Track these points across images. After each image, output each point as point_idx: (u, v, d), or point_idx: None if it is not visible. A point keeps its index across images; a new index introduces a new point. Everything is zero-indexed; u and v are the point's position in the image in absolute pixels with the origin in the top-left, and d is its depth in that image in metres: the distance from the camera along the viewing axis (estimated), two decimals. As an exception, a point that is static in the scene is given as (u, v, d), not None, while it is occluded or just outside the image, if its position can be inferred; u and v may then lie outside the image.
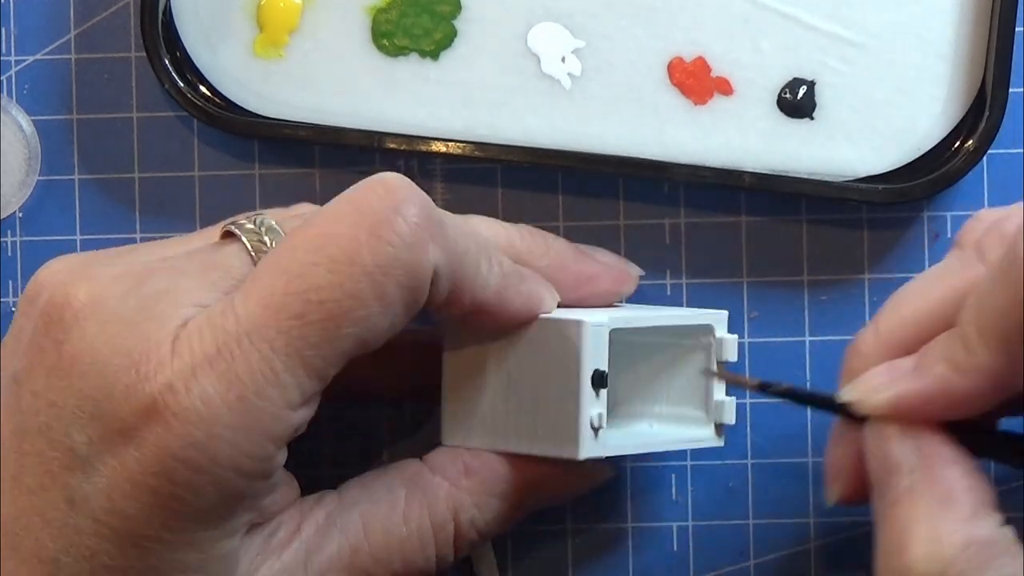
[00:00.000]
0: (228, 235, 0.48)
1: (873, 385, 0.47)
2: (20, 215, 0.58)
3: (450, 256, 0.47)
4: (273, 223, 0.48)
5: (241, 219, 0.49)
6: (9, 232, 0.58)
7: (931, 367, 0.46)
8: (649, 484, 0.57)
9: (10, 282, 0.58)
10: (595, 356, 0.49)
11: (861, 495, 0.48)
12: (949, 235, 0.57)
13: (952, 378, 0.45)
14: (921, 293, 0.48)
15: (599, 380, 0.49)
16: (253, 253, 0.47)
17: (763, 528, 0.57)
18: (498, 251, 0.50)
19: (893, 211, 0.57)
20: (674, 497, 0.57)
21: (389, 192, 0.46)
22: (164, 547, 0.45)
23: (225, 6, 0.57)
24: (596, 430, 0.50)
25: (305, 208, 0.51)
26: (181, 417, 0.44)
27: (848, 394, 0.47)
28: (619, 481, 0.57)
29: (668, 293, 0.57)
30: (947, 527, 0.44)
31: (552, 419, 0.50)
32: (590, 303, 0.53)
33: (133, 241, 0.58)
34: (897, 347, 0.48)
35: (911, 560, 0.44)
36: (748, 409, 0.57)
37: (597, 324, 0.49)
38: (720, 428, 0.54)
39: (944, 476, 0.45)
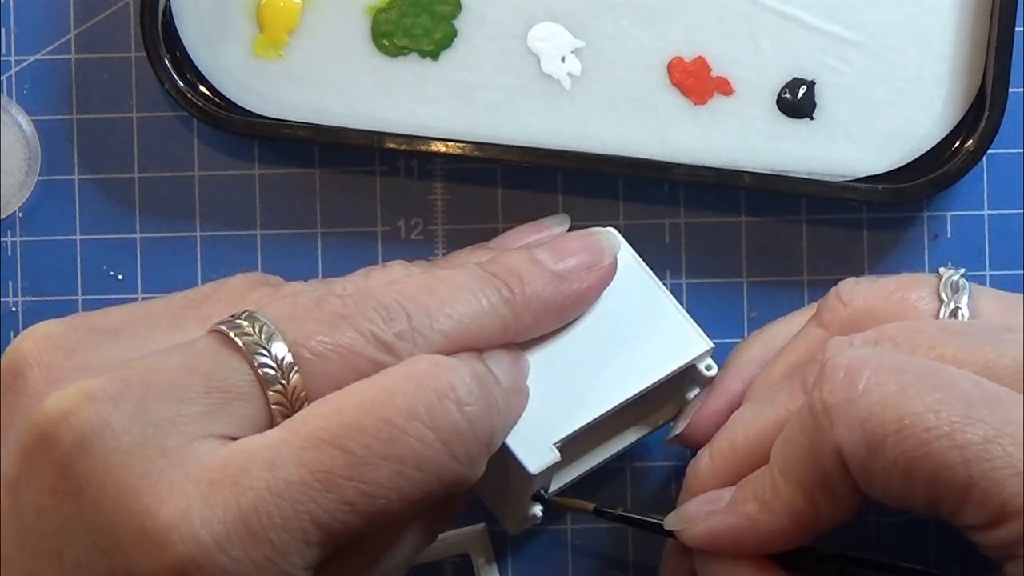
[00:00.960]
0: (221, 336, 0.46)
1: (691, 517, 0.49)
2: (20, 215, 0.58)
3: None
4: (271, 325, 0.46)
5: (237, 320, 0.46)
6: (9, 232, 0.58)
7: (743, 504, 0.48)
8: (649, 484, 0.57)
9: (10, 282, 0.58)
10: (540, 481, 0.51)
11: None
12: (949, 235, 0.57)
13: (759, 516, 0.47)
14: (751, 420, 0.50)
15: (538, 496, 0.51)
16: (257, 368, 0.45)
17: (763, 528, 0.57)
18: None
19: (893, 211, 0.57)
20: (674, 497, 0.57)
21: (476, 414, 0.46)
22: None
23: (225, 6, 0.57)
24: (527, 520, 0.52)
25: (296, 287, 0.50)
26: (205, 571, 0.43)
27: (671, 523, 0.49)
28: (619, 481, 0.57)
29: (668, 293, 0.57)
30: None
31: (501, 494, 0.52)
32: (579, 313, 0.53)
33: (133, 242, 0.58)
34: (727, 473, 0.49)
35: None
36: (748, 409, 0.57)
37: (547, 463, 0.49)
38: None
39: None
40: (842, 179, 0.56)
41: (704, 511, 0.48)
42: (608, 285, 0.52)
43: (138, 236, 0.58)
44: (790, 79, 0.56)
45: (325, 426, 0.44)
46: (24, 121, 0.58)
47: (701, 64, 0.56)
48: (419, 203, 0.58)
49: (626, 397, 0.51)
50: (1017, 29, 0.55)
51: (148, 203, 0.58)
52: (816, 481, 0.46)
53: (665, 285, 0.54)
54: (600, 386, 0.51)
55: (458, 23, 0.56)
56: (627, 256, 0.53)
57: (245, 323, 0.46)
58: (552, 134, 0.56)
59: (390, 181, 0.58)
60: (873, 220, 0.57)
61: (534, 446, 0.50)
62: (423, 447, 0.45)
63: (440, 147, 0.56)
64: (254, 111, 0.57)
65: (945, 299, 0.50)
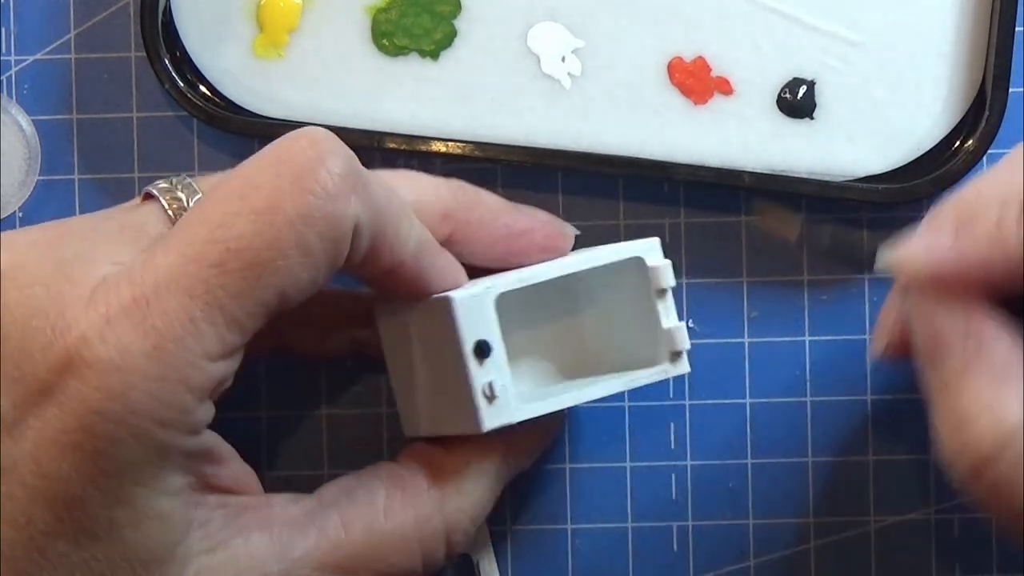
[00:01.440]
0: (147, 197, 0.49)
1: (913, 250, 0.46)
2: (20, 215, 0.58)
3: (372, 211, 0.47)
4: (191, 182, 0.48)
5: (160, 182, 0.49)
6: (9, 232, 0.58)
7: (972, 236, 0.45)
8: (649, 484, 0.57)
9: (10, 282, 0.58)
10: (475, 328, 0.49)
11: (904, 354, 0.48)
12: (949, 235, 0.57)
13: (993, 248, 0.44)
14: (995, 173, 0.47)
15: (481, 350, 0.49)
16: (171, 212, 0.48)
17: (763, 528, 0.57)
18: (415, 218, 0.49)
19: (893, 211, 0.57)
20: (674, 497, 0.57)
21: (313, 144, 0.46)
22: (94, 505, 0.44)
23: (225, 6, 0.57)
24: (492, 399, 0.49)
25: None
26: (96, 368, 0.44)
27: (888, 257, 0.47)
28: (619, 481, 0.57)
29: (668, 293, 0.57)
30: (1006, 402, 0.44)
31: (455, 396, 0.50)
32: (524, 259, 0.53)
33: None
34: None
35: (974, 436, 0.43)
36: (748, 409, 0.57)
37: (471, 296, 0.49)
38: (677, 356, 0.52)
39: (996, 350, 0.45)
40: (842, 179, 0.56)
41: (926, 243, 0.46)
42: (558, 249, 0.53)
43: (138, 236, 0.58)
44: (790, 79, 0.56)
45: (193, 209, 0.46)
46: (24, 121, 0.58)
47: (701, 64, 0.56)
48: (419, 203, 0.58)
49: (568, 270, 0.51)
50: (1017, 29, 0.55)
51: (148, 203, 0.58)
52: None
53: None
54: (541, 269, 0.51)
55: (458, 23, 0.57)
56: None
57: (180, 191, 0.48)
58: (552, 134, 0.56)
59: (390, 181, 0.58)
60: (873, 220, 0.57)
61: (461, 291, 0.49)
62: (274, 192, 0.45)
63: (440, 147, 0.56)
64: (254, 111, 0.57)
65: None
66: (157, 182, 0.49)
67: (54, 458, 0.44)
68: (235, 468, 0.49)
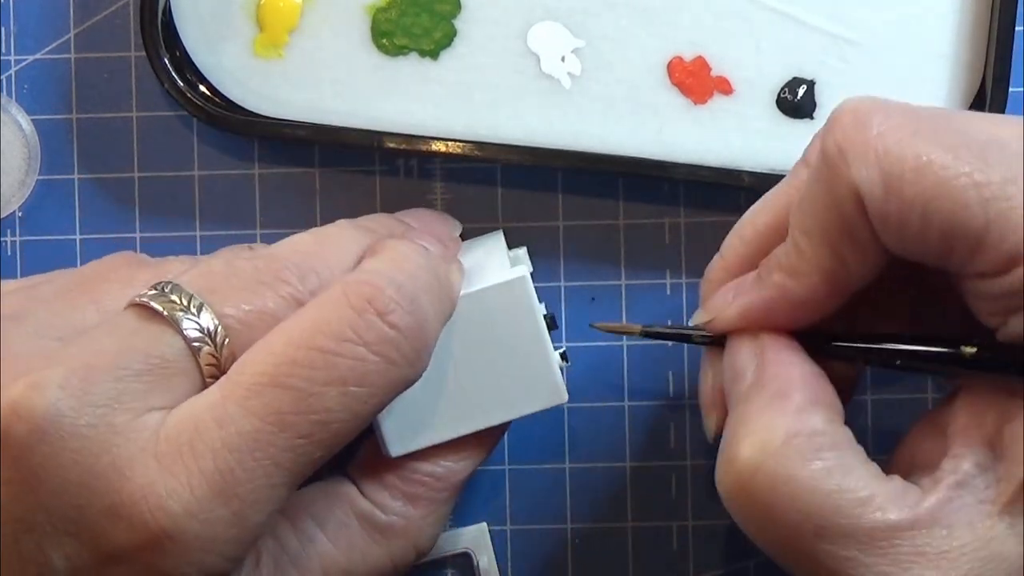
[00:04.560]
0: (138, 306, 0.47)
1: (718, 305, 0.49)
2: (20, 215, 0.58)
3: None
4: (197, 296, 0.47)
5: (163, 293, 0.47)
6: (9, 232, 0.58)
7: (768, 275, 0.47)
8: (649, 484, 0.57)
9: (10, 282, 0.58)
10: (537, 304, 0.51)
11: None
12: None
13: (788, 283, 0.47)
14: (756, 212, 0.50)
15: (554, 322, 0.52)
16: (189, 341, 0.46)
17: (763, 528, 0.57)
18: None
19: (893, 211, 0.57)
20: (674, 497, 0.57)
21: (383, 307, 0.46)
22: None
23: (225, 6, 0.57)
24: (566, 365, 0.52)
25: (175, 265, 0.50)
26: (178, 540, 0.44)
27: (699, 317, 0.49)
28: (619, 481, 0.57)
29: (668, 293, 0.57)
30: (773, 420, 0.45)
31: (520, 376, 0.51)
32: None
33: (133, 241, 0.58)
34: (741, 267, 0.49)
35: (737, 452, 0.45)
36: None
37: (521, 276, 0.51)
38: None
39: (777, 375, 0.47)
40: (842, 179, 0.56)
41: (730, 297, 0.48)
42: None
43: (138, 236, 0.58)
44: (790, 79, 0.56)
45: (262, 371, 0.45)
46: (24, 121, 0.58)
47: (701, 64, 0.56)
48: (419, 203, 0.58)
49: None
50: (1017, 29, 0.55)
51: (148, 202, 0.58)
52: (838, 230, 0.45)
53: (665, 285, 0.55)
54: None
55: (458, 23, 0.57)
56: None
57: (172, 296, 0.47)
58: (552, 134, 0.56)
59: (390, 181, 0.58)
60: (873, 220, 0.57)
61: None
62: (360, 363, 0.46)
63: (440, 147, 0.56)
64: (254, 111, 0.57)
65: None
66: (156, 292, 0.47)
67: None
68: None
